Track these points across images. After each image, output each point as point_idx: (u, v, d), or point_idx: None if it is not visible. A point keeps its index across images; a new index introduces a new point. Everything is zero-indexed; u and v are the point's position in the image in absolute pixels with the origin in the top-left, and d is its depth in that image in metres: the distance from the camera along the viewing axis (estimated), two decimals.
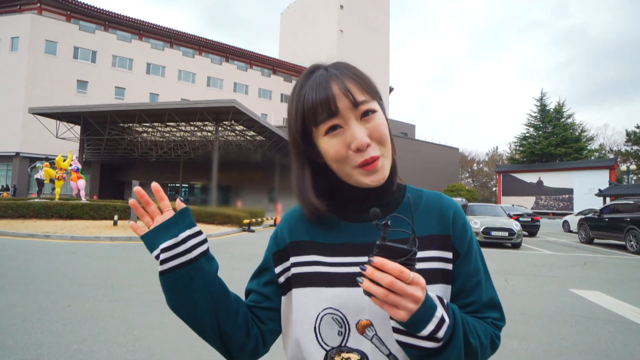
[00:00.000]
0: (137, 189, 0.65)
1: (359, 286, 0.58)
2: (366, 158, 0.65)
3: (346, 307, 0.66)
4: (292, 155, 0.75)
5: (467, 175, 73.34)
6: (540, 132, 45.15)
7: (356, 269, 0.64)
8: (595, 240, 13.11)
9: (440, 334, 0.56)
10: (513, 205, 19.11)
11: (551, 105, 45.76)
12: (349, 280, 0.67)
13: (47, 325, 3.48)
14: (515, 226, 10.91)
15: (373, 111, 0.67)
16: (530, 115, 46.74)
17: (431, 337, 0.56)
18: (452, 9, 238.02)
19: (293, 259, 0.73)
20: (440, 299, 0.60)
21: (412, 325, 0.55)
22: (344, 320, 0.66)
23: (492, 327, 0.69)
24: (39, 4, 36.42)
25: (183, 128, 24.93)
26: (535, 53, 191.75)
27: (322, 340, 0.67)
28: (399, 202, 0.74)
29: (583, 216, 14.59)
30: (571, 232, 17.82)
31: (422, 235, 0.69)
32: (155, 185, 0.68)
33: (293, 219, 0.78)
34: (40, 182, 17.69)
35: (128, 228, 11.60)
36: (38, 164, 17.72)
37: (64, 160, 17.35)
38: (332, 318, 0.67)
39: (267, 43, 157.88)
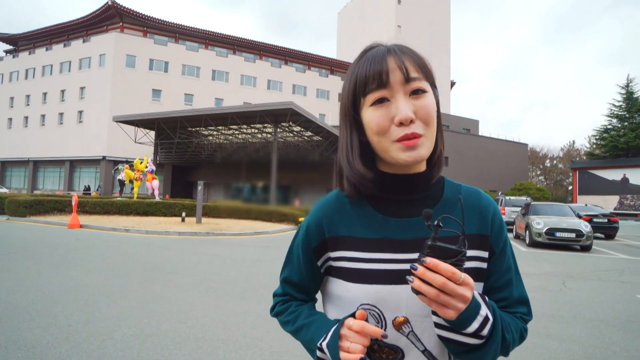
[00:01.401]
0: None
1: (397, 283, 0.62)
2: (407, 133, 0.63)
3: (384, 304, 0.66)
4: (340, 127, 0.75)
5: (539, 172, 67.95)
6: (626, 124, 40.40)
7: (395, 266, 0.66)
8: None
9: (485, 331, 0.58)
10: (587, 205, 17.50)
11: None
12: (388, 277, 0.66)
13: (125, 302, 4.09)
14: (585, 227, 10.09)
15: (424, 91, 0.66)
16: (614, 105, 42.01)
17: (476, 334, 0.58)
18: None
19: (332, 254, 0.72)
20: (483, 297, 0.61)
21: (458, 323, 0.57)
22: (381, 316, 0.66)
23: (521, 321, 0.71)
24: (121, 23, 40.58)
25: (245, 130, 26.33)
26: (623, 33, 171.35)
27: None
28: (438, 197, 0.72)
29: None
30: None
31: None
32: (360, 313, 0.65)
33: (329, 211, 0.75)
34: (121, 183, 19.86)
35: (194, 224, 12.67)
36: (120, 167, 19.91)
37: (141, 163, 19.29)
38: (370, 314, 0.67)
39: (325, 44, 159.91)
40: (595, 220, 13.46)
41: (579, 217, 11.83)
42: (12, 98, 43.56)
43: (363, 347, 0.61)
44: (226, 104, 41.02)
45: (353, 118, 0.71)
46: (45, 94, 41.27)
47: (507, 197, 17.56)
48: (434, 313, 0.59)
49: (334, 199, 0.76)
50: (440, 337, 0.61)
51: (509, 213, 15.88)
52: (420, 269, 0.54)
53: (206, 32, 44.28)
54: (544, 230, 10.23)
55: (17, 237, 9.00)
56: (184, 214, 13.73)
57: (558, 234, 10.08)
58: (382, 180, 0.71)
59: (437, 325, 0.61)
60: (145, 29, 41.76)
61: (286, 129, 24.56)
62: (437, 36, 55.57)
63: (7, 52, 48.15)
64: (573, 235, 9.99)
